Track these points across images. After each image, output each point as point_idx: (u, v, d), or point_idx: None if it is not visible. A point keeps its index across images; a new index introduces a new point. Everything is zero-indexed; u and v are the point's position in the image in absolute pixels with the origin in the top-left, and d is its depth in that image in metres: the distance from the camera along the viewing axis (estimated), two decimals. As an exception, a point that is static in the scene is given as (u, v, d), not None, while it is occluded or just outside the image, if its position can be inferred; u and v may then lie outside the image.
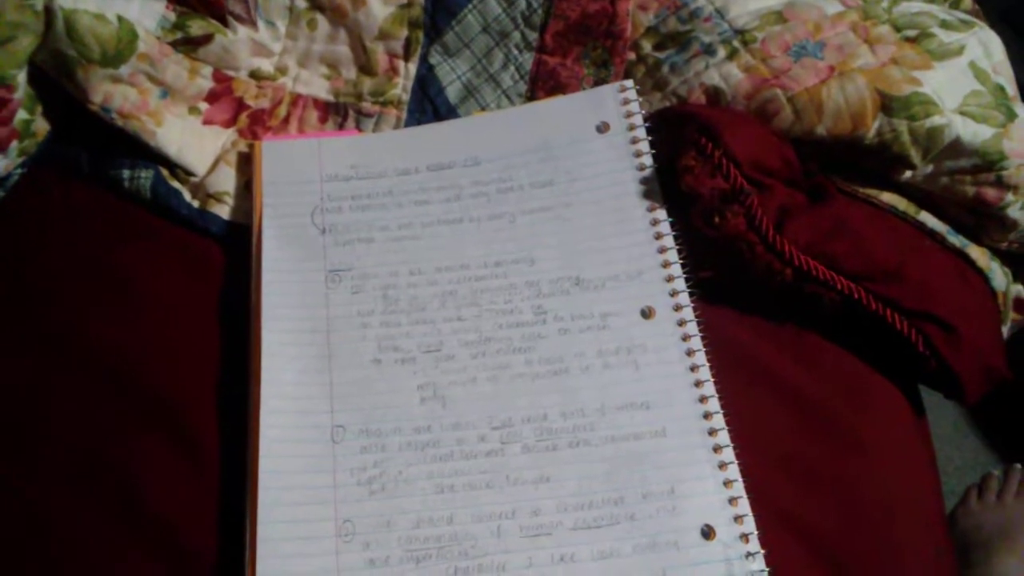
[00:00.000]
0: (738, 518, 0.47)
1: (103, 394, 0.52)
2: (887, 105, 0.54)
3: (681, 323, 0.52)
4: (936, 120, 0.54)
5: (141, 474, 0.50)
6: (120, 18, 0.53)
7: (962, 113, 0.54)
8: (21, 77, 0.53)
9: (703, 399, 0.50)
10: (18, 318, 0.55)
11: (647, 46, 0.61)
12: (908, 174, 0.57)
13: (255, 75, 0.60)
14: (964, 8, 0.66)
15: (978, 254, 0.58)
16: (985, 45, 0.57)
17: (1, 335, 0.54)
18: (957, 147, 0.55)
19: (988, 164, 0.55)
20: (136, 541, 0.48)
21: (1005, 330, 0.62)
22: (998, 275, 0.59)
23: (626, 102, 0.58)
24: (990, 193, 0.56)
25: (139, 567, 0.47)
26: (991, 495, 0.91)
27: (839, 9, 0.58)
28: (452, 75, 0.62)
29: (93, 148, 0.58)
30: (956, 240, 0.58)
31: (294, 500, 0.48)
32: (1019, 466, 0.93)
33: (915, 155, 0.55)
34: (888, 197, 0.58)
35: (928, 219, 0.58)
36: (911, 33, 0.57)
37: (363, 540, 0.47)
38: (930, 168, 0.56)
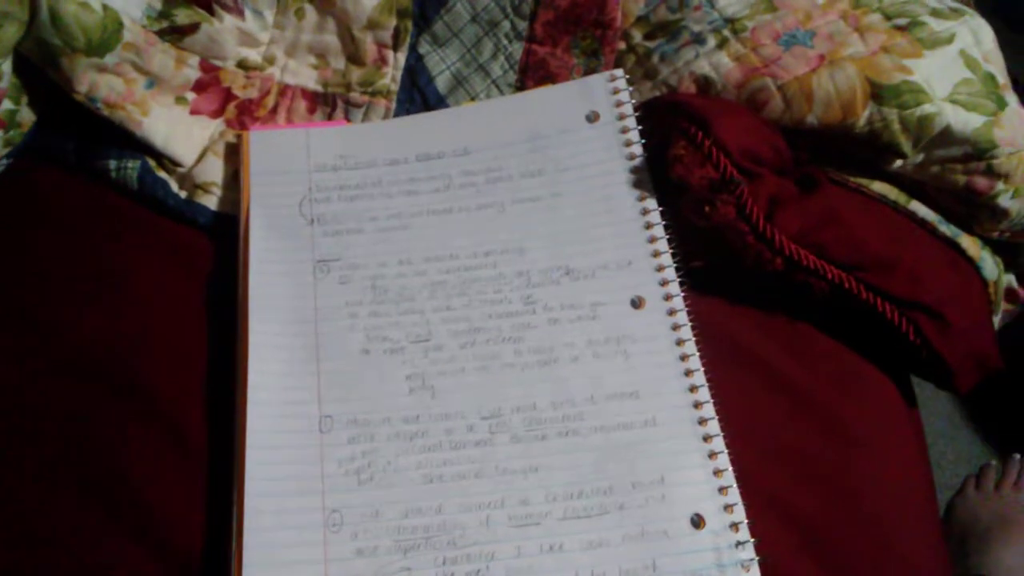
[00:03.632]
0: (728, 507, 0.47)
1: (89, 385, 0.52)
2: (877, 94, 0.54)
3: (671, 313, 0.52)
4: (926, 108, 0.54)
5: (128, 465, 0.50)
6: (105, 7, 0.53)
7: (952, 101, 0.54)
8: (6, 66, 0.53)
9: (693, 388, 0.50)
10: (3, 309, 0.54)
11: (637, 35, 0.61)
12: (899, 163, 0.57)
13: (243, 65, 0.59)
14: (955, -4, 0.66)
15: (969, 243, 0.58)
16: (975, 33, 0.57)
17: (-13, 327, 0.54)
18: (947, 136, 0.54)
19: (979, 153, 0.55)
20: (123, 532, 0.48)
21: (996, 320, 0.62)
22: (989, 264, 0.59)
23: (616, 91, 0.58)
24: (981, 182, 0.56)
25: (126, 558, 0.47)
26: (989, 485, 0.91)
27: (829, -3, 0.58)
28: (441, 65, 0.61)
29: (79, 138, 0.58)
30: (947, 229, 0.58)
31: (282, 490, 0.47)
32: (1017, 456, 0.93)
33: (905, 144, 0.55)
34: (879, 186, 0.58)
35: (919, 208, 0.58)
36: (901, 22, 0.57)
37: (351, 530, 0.46)
38: (921, 157, 0.56)
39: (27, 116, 0.57)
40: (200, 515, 0.48)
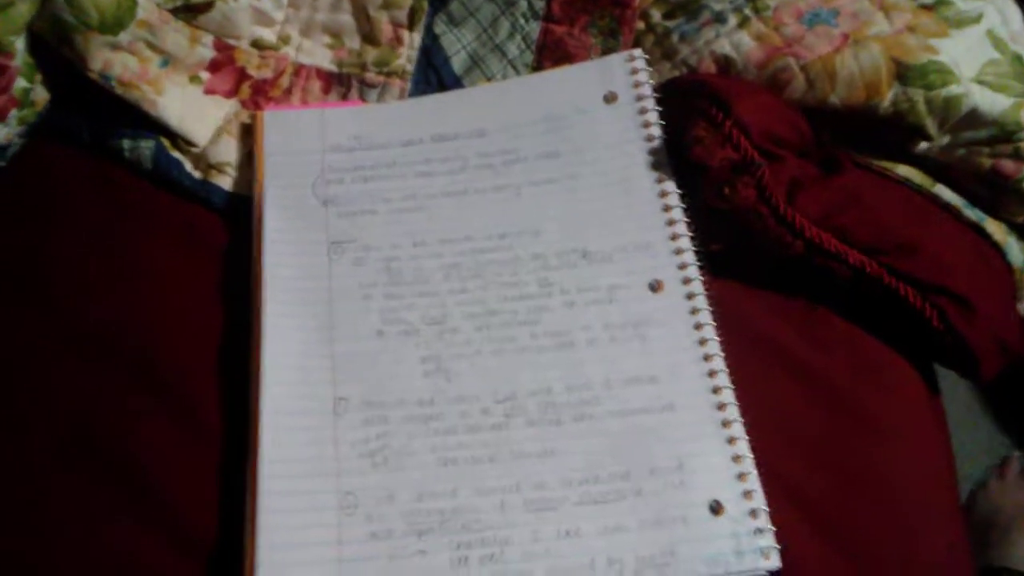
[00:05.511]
0: (747, 493, 0.46)
1: (103, 367, 0.51)
2: (902, 74, 0.53)
3: (689, 296, 0.51)
4: (953, 89, 0.52)
5: (141, 447, 0.49)
6: (119, -16, 0.52)
7: (979, 82, 0.53)
8: (20, 44, 0.53)
9: (711, 373, 0.49)
10: (16, 289, 0.54)
11: (656, 15, 0.60)
12: (924, 145, 0.56)
13: (257, 44, 0.59)
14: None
15: (994, 228, 0.57)
16: (1003, 13, 0.56)
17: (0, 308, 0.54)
18: (974, 117, 0.53)
19: (1006, 135, 0.54)
20: (136, 514, 0.48)
21: (1021, 307, 0.60)
22: (1015, 250, 0.58)
23: (635, 72, 0.57)
24: (1007, 165, 0.55)
25: (139, 540, 0.47)
26: (1011, 476, 0.90)
27: (854, -24, 0.57)
28: (457, 45, 0.61)
29: (94, 117, 0.58)
30: (972, 214, 0.57)
31: (296, 472, 0.47)
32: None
33: (931, 125, 0.54)
34: (903, 169, 0.57)
35: (944, 192, 0.57)
36: (928, 0, 0.56)
37: (365, 513, 0.46)
38: (946, 139, 0.55)
39: (41, 95, 0.57)
40: (213, 497, 0.48)
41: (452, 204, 0.55)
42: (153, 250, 0.55)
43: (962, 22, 0.55)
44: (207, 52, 0.57)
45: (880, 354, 0.55)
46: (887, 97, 0.53)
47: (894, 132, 0.55)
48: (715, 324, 0.50)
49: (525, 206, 0.55)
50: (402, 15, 0.59)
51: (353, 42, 0.60)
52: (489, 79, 0.61)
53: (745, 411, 0.48)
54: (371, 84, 0.60)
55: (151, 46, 0.55)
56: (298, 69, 0.60)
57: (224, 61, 0.58)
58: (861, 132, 0.56)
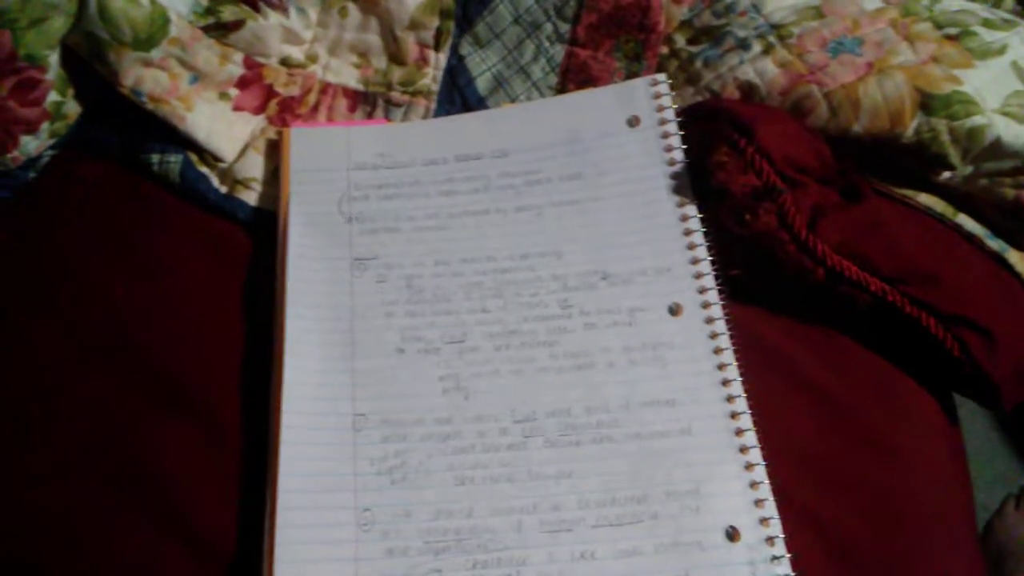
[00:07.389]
0: (764, 520, 0.46)
1: (126, 378, 0.52)
2: (926, 104, 0.53)
3: (709, 320, 0.51)
4: (976, 120, 0.53)
5: (162, 459, 0.50)
6: (152, 1, 0.53)
7: (1004, 113, 0.53)
8: (53, 58, 0.54)
9: (730, 398, 0.49)
10: (43, 299, 0.55)
11: (681, 40, 0.61)
12: (946, 175, 0.56)
13: (285, 62, 0.60)
14: (1006, 7, 0.65)
15: (1017, 259, 0.57)
16: (1028, 45, 0.56)
17: (25, 316, 0.54)
18: (998, 148, 0.53)
19: (1029, 166, 0.54)
20: (156, 525, 0.48)
21: (1043, 338, 0.60)
22: (1037, 281, 0.58)
23: (658, 96, 0.57)
24: (1031, 196, 0.55)
25: (159, 552, 0.47)
26: (1029, 506, 0.89)
27: (878, 5, 0.57)
28: (482, 66, 0.61)
29: (123, 131, 0.58)
30: (995, 244, 0.57)
31: (314, 487, 0.47)
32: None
33: (954, 155, 0.54)
34: (925, 198, 0.57)
35: (966, 221, 0.57)
36: (952, 31, 0.56)
37: (382, 530, 0.46)
38: (969, 169, 0.55)
39: (73, 108, 0.58)
40: (233, 510, 0.48)
41: (474, 223, 0.56)
42: (178, 262, 0.56)
43: (986, 53, 0.55)
44: (236, 69, 0.58)
45: (899, 382, 0.55)
46: (910, 127, 0.53)
47: (917, 161, 0.55)
48: (734, 349, 0.50)
49: (547, 227, 0.55)
50: (428, 36, 0.60)
51: (380, 62, 0.61)
52: (513, 100, 0.61)
53: (763, 437, 0.48)
54: (396, 103, 0.61)
55: (182, 63, 0.56)
56: (325, 87, 0.61)
57: (253, 78, 0.59)
58: (883, 160, 0.57)
